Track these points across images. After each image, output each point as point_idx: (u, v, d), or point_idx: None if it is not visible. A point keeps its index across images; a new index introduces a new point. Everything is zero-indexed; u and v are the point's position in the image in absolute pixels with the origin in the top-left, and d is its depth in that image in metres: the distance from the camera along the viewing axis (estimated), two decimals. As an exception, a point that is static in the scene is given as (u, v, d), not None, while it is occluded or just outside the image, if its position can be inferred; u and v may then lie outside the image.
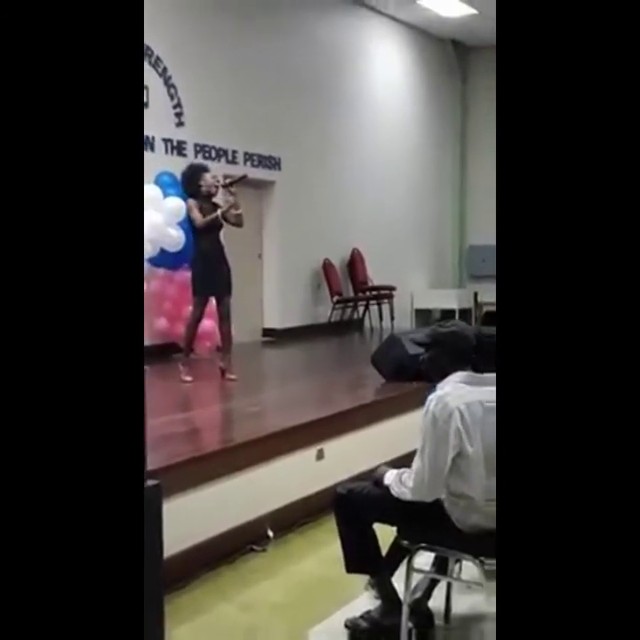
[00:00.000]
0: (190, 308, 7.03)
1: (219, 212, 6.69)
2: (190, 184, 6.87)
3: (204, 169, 7.03)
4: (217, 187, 6.86)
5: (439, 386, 3.09)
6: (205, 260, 6.71)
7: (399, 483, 3.10)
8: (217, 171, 8.01)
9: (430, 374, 3.22)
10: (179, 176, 7.25)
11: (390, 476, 3.18)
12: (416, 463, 3.05)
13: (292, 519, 4.76)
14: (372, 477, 3.32)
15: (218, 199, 6.95)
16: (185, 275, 7.52)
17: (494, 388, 3.07)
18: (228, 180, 6.91)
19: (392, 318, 12.04)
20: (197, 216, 6.67)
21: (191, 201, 6.78)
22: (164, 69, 8.92)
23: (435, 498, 3.05)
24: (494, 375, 3.12)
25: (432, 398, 3.03)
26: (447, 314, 13.57)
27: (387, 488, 3.17)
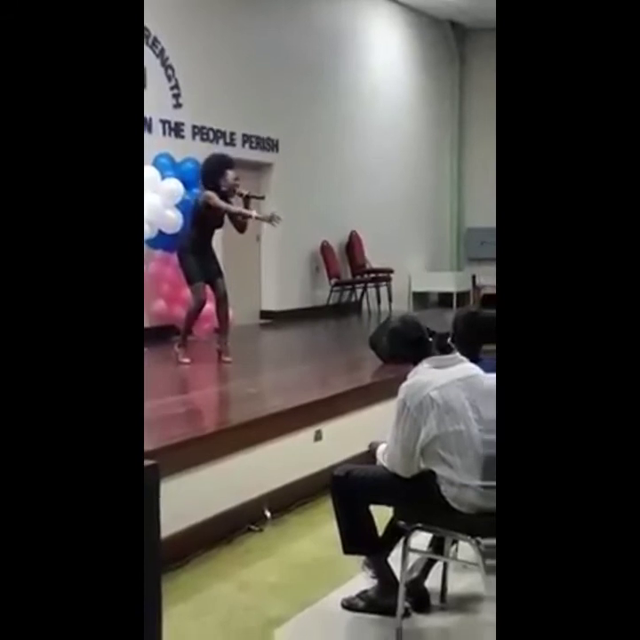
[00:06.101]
0: (188, 290, 6.98)
1: (240, 210, 6.55)
2: (211, 179, 6.61)
3: (228, 164, 6.66)
4: (234, 191, 6.61)
5: (410, 374, 3.19)
6: (190, 250, 6.64)
7: (383, 457, 3.26)
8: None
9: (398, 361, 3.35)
10: (174, 157, 7.02)
11: (380, 450, 3.31)
12: (389, 446, 3.18)
13: (289, 500, 4.78)
14: (370, 452, 3.43)
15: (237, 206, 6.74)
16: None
17: (464, 365, 3.22)
18: (246, 193, 6.68)
19: (390, 301, 12.05)
20: (220, 203, 6.45)
21: (210, 193, 6.54)
22: (162, 50, 8.87)
23: (411, 474, 3.14)
24: (457, 355, 3.28)
25: (403, 387, 3.14)
26: (445, 296, 13.59)
27: (383, 469, 3.24)
